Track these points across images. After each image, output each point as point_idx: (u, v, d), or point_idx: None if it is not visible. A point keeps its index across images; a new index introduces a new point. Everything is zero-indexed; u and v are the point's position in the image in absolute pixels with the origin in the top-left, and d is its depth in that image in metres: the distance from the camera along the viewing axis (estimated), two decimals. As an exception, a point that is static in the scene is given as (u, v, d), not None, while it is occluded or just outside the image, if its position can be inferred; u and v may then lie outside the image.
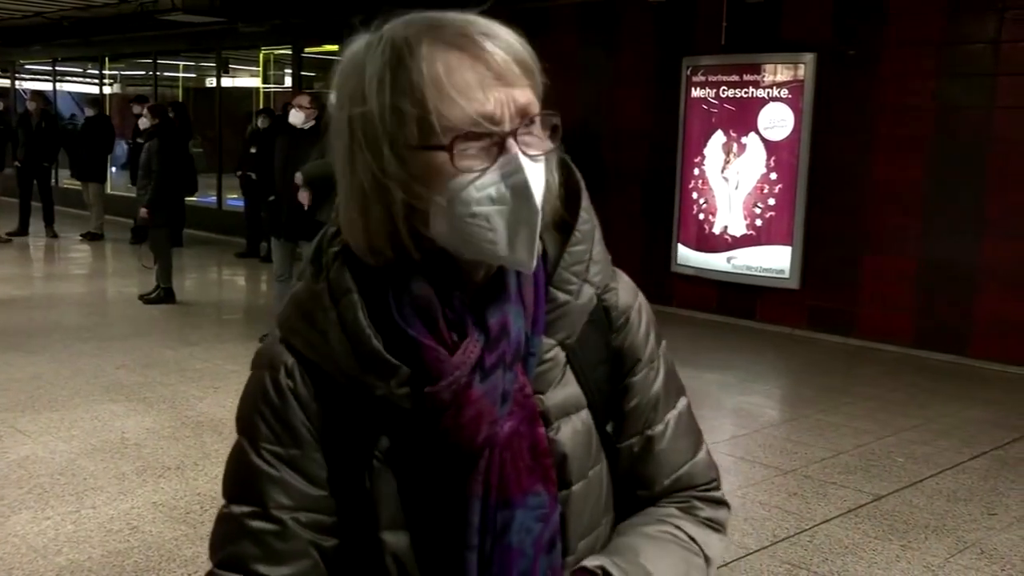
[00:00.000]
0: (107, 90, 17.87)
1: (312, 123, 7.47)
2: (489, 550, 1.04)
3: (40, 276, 11.71)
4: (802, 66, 8.40)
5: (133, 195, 13.55)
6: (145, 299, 9.07)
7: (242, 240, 12.76)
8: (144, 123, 8.94)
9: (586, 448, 1.12)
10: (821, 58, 8.30)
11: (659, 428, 1.18)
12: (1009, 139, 7.44)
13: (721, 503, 1.23)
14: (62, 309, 8.92)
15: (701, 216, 9.07)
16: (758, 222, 8.73)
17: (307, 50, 13.68)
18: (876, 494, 4.80)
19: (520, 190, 0.97)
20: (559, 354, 1.10)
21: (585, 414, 1.13)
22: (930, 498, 4.78)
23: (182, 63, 16.78)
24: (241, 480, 1.08)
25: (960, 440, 5.70)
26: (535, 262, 1.01)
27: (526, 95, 0.99)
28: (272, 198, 7.76)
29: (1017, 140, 7.40)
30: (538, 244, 1.00)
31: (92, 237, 13.73)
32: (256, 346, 5.97)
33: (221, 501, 1.09)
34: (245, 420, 1.09)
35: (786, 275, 8.58)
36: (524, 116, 0.99)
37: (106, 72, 17.87)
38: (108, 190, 14.93)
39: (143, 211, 8.85)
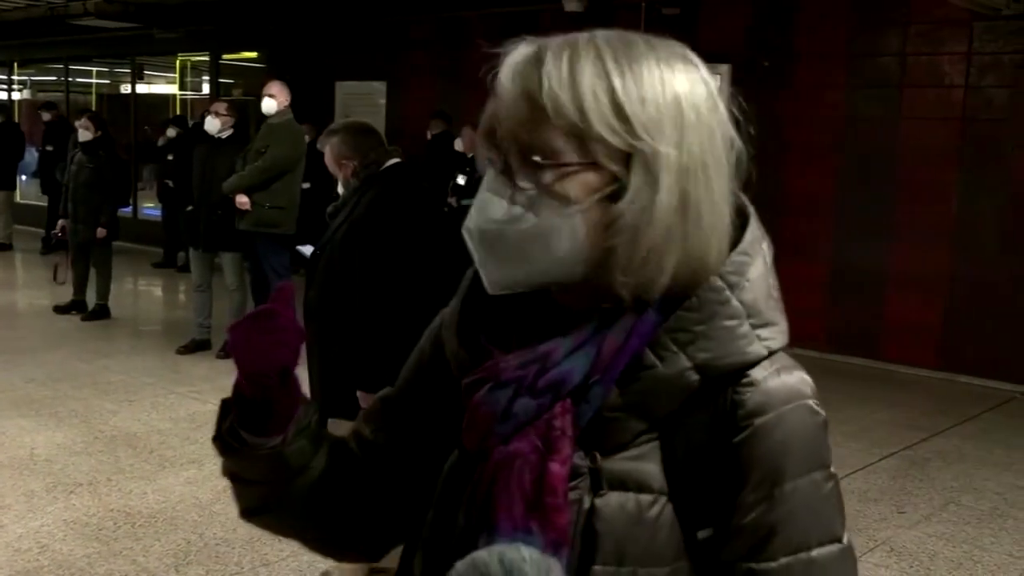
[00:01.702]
0: (16, 96, 17.37)
1: (230, 131, 7.37)
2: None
3: (-55, 288, 11.32)
4: (718, 76, 8.54)
5: (43, 204, 13.28)
6: (83, 316, 8.79)
7: (158, 249, 12.51)
8: (86, 135, 8.62)
9: (635, 535, 0.98)
10: (736, 69, 8.48)
11: (770, 566, 0.97)
12: (915, 148, 7.69)
13: None
14: (-32, 322, 8.64)
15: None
16: (676, 230, 8.85)
17: (225, 57, 13.49)
18: (791, 496, 4.90)
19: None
20: (630, 419, 0.99)
21: (652, 499, 0.99)
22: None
23: (95, 69, 16.39)
24: None
25: (870, 441, 5.86)
26: (493, 288, 1.02)
27: (523, 129, 0.97)
28: (190, 208, 7.62)
29: (922, 149, 7.66)
30: (504, 275, 1.00)
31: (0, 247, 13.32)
32: (174, 357, 5.82)
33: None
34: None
35: (704, 282, 8.71)
36: (526, 147, 0.97)
37: (15, 78, 17.37)
38: (17, 199, 14.50)
39: (101, 231, 8.49)
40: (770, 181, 8.40)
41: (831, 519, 1.00)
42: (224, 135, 7.34)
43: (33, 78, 17.75)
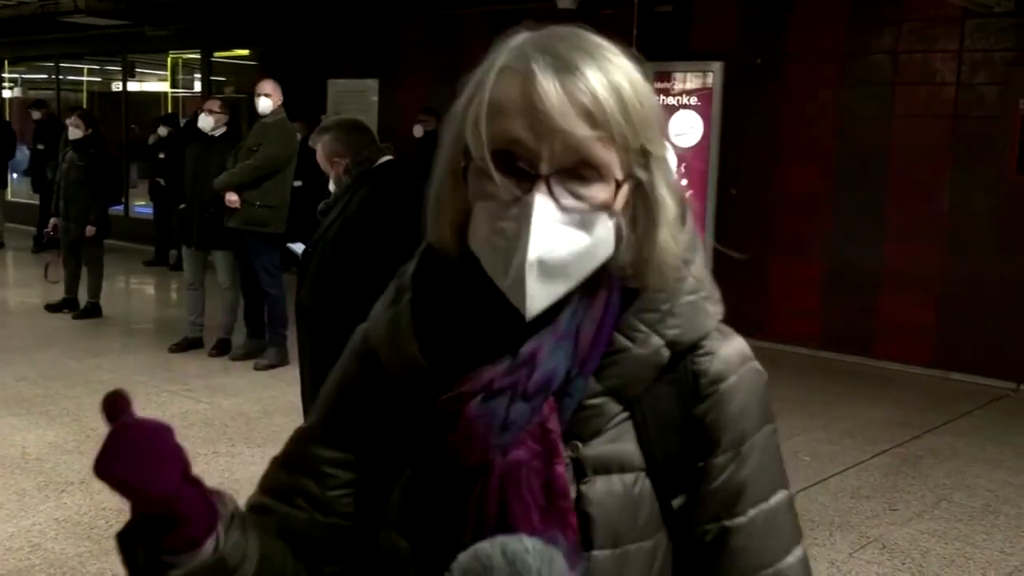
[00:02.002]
0: (7, 94, 17.30)
1: (223, 129, 7.35)
2: None
3: (-64, 286, 11.28)
4: (710, 74, 8.56)
5: (34, 202, 13.23)
6: (75, 314, 8.76)
7: (150, 247, 12.48)
8: (76, 133, 8.59)
9: (624, 515, 1.02)
10: (729, 67, 8.48)
11: (740, 521, 1.04)
12: (907, 147, 7.70)
13: None
14: (-41, 320, 8.61)
15: (614, 222, 9.18)
16: (669, 228, 8.86)
17: (216, 54, 13.45)
18: (784, 493, 4.91)
19: (519, 234, 0.95)
20: (609, 404, 1.02)
21: (634, 478, 1.03)
22: (835, 496, 4.92)
23: (86, 67, 16.34)
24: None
25: (864, 439, 5.87)
26: (534, 312, 0.98)
27: (585, 144, 0.94)
28: (183, 206, 7.60)
29: (915, 147, 7.67)
30: (548, 295, 0.97)
31: (-9, 246, 13.28)
32: (166, 356, 5.81)
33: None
34: (323, 387, 1.19)
35: (697, 280, 8.72)
36: (575, 166, 0.95)
37: (5, 76, 17.30)
38: (9, 197, 14.45)
39: (91, 228, 8.46)
40: (763, 180, 8.42)
41: (781, 469, 1.09)
42: (217, 133, 7.32)
43: (24, 76, 17.68)
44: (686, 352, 1.04)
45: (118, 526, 0.97)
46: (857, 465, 5.40)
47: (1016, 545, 4.40)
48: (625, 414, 1.03)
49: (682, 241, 1.04)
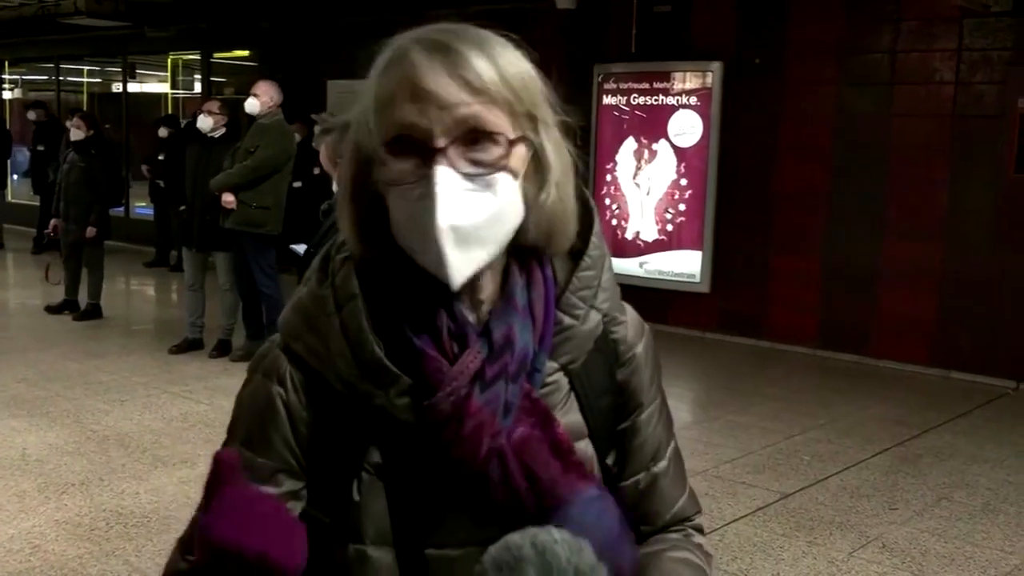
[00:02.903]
0: (7, 95, 17.30)
1: (223, 130, 7.36)
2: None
3: (-64, 288, 11.28)
4: (710, 74, 8.57)
5: (34, 203, 13.23)
6: (75, 316, 8.76)
7: (150, 249, 12.48)
8: (78, 135, 8.59)
9: None
10: (728, 66, 8.48)
11: (663, 464, 1.21)
12: (906, 145, 7.71)
13: (702, 530, 1.27)
14: (-41, 322, 8.62)
15: (614, 222, 9.18)
16: (669, 227, 8.88)
17: (216, 55, 13.45)
18: (784, 492, 4.92)
19: (427, 206, 0.99)
20: (562, 379, 1.10)
21: (584, 444, 1.12)
22: (835, 495, 4.92)
23: (86, 68, 16.34)
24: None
25: (863, 438, 5.87)
26: (459, 280, 1.01)
27: (471, 111, 0.99)
28: (183, 207, 7.60)
29: (913, 145, 7.67)
30: (469, 262, 1.00)
31: (-9, 247, 13.28)
32: (166, 357, 5.79)
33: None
34: (232, 420, 1.15)
35: (697, 279, 8.74)
36: (467, 134, 0.99)
37: (6, 77, 17.30)
38: (9, 198, 14.45)
39: (91, 230, 8.46)
40: (762, 178, 8.43)
41: (670, 411, 1.26)
42: (216, 134, 7.33)
43: (24, 77, 17.68)
44: (607, 323, 1.14)
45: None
46: (856, 464, 5.40)
47: (1016, 544, 4.40)
48: (569, 386, 1.11)
49: (571, 206, 1.09)
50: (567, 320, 1.09)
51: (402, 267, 1.05)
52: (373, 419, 1.05)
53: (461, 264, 1.00)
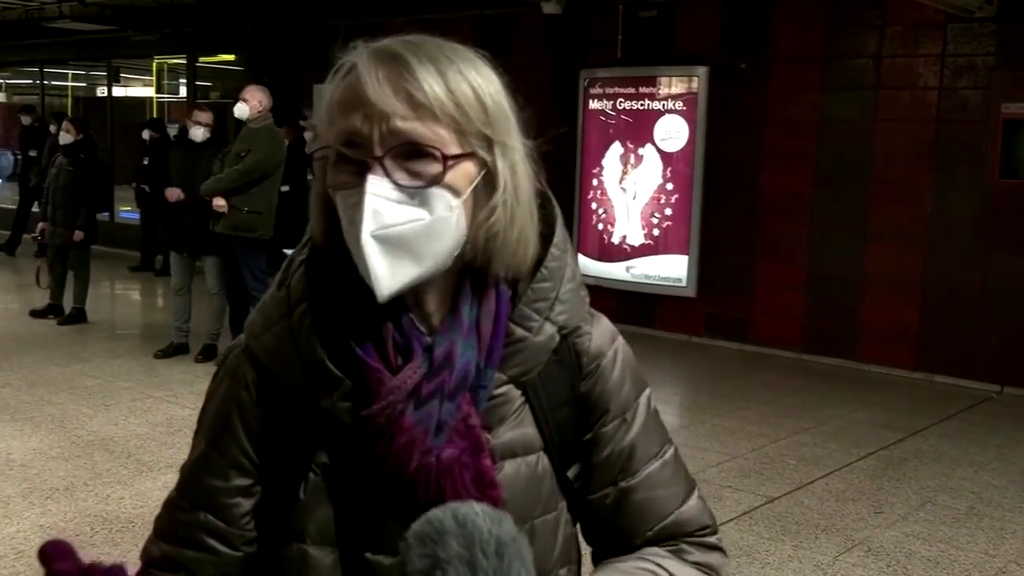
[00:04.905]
0: (-8, 99, 17.24)
1: (209, 135, 7.35)
2: None
3: (-81, 292, 11.20)
4: (695, 79, 8.60)
5: (15, 207, 13.14)
6: (60, 320, 8.71)
7: (135, 253, 12.43)
8: (67, 138, 8.55)
9: (529, 493, 1.11)
10: (713, 71, 8.51)
11: (634, 481, 1.15)
12: (890, 150, 7.75)
13: (714, 548, 1.21)
14: (-58, 327, 8.55)
15: (600, 226, 9.20)
16: (655, 232, 8.89)
17: (201, 59, 13.42)
18: (770, 496, 4.94)
19: (353, 216, 1.00)
20: (512, 391, 1.10)
21: (536, 458, 1.11)
22: (820, 499, 4.94)
23: (71, 72, 16.27)
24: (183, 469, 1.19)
25: (848, 442, 5.90)
26: (385, 292, 1.00)
27: (409, 125, 0.99)
28: (171, 209, 7.56)
29: (897, 151, 7.72)
30: (397, 275, 1.00)
31: (-26, 252, 13.18)
32: (151, 361, 5.76)
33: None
34: (200, 411, 1.20)
35: (683, 283, 8.76)
36: (403, 146, 1.00)
37: (-11, 80, 17.24)
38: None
39: (78, 233, 8.40)
40: (747, 183, 8.46)
41: (662, 426, 1.21)
42: (199, 139, 7.33)
43: (8, 81, 17.60)
44: (568, 335, 1.13)
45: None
46: (842, 468, 5.42)
47: (1000, 547, 4.43)
48: (523, 398, 1.11)
49: (525, 230, 1.08)
50: (519, 332, 1.09)
51: (356, 273, 1.06)
52: (320, 421, 1.07)
53: (387, 276, 1.00)
